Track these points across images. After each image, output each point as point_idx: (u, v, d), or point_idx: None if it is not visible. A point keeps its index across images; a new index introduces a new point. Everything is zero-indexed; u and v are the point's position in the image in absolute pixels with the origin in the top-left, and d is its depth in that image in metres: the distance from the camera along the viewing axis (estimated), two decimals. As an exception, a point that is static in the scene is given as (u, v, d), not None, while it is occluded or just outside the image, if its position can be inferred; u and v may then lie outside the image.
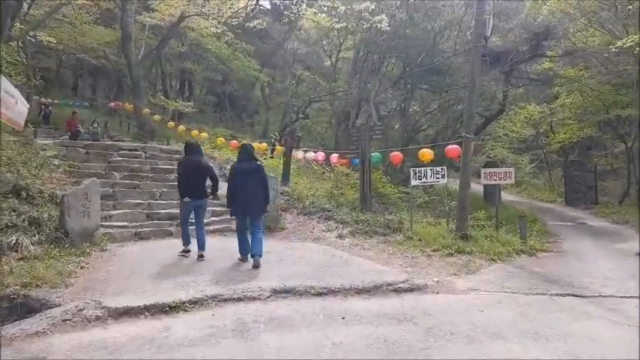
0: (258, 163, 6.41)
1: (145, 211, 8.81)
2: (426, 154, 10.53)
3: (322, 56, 28.32)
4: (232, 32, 22.63)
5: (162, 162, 11.30)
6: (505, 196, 18.14)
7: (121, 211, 8.54)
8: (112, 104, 26.13)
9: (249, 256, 6.15)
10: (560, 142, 23.81)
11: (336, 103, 23.26)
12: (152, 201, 9.31)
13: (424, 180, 9.34)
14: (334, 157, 13.48)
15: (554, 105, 21.55)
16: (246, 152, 6.37)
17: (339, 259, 6.54)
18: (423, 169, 9.39)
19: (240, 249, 6.29)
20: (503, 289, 5.45)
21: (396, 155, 11.65)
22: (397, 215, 10.31)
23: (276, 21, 27.10)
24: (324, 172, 13.10)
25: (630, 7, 12.63)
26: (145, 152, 11.66)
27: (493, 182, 9.64)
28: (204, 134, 18.58)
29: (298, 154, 15.35)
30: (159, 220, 8.76)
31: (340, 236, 8.45)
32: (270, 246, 7.51)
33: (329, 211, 9.90)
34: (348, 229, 8.91)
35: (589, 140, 24.05)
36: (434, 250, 7.57)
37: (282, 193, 10.54)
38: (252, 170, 6.16)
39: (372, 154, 11.54)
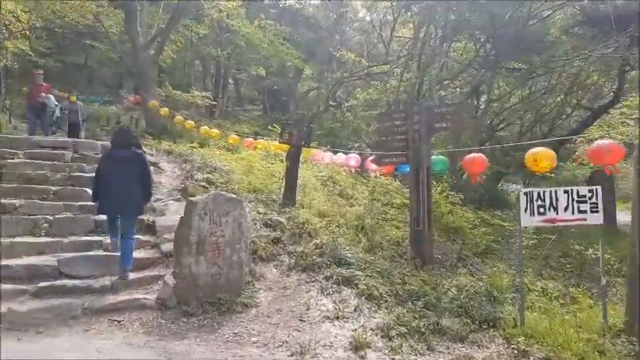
0: (138, 151, 5.00)
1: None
2: (543, 156, 5.38)
3: (376, 42, 23.76)
4: (264, 13, 18.58)
5: (91, 167, 7.11)
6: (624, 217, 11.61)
7: None
8: (132, 98, 23.52)
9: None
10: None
11: (389, 92, 18.25)
12: (20, 239, 5.13)
13: (550, 215, 4.24)
14: (371, 161, 8.55)
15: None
16: (122, 137, 5.03)
17: None
18: (546, 192, 4.31)
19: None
20: None
21: (475, 159, 6.40)
22: (486, 277, 5.30)
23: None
24: (355, 185, 8.22)
25: None
26: (76, 152, 7.60)
27: None
28: (216, 131, 14.81)
29: (325, 156, 10.73)
30: (10, 278, 4.51)
31: (358, 346, 3.63)
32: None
33: (348, 264, 5.10)
34: (379, 318, 4.09)
35: None
36: None
37: (268, 225, 5.88)
38: (127, 159, 4.85)
39: (434, 157, 6.60)
